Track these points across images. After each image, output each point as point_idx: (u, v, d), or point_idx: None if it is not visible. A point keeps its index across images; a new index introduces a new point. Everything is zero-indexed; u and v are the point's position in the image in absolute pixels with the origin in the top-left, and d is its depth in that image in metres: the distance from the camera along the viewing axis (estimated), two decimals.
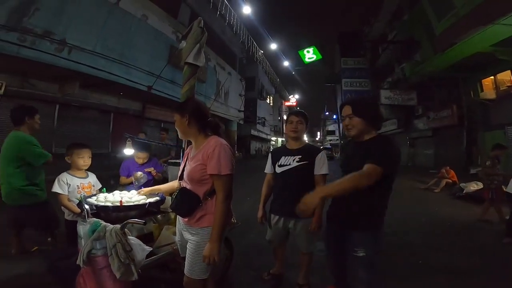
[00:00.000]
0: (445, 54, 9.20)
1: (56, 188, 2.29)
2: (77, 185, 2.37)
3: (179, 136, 1.70)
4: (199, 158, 1.53)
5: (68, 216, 2.40)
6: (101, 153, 8.91)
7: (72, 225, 2.17)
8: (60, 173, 2.42)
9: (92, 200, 2.02)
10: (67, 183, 2.32)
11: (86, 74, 7.19)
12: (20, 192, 2.42)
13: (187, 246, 1.58)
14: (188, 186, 1.58)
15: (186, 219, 1.58)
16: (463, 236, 4.00)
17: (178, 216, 1.72)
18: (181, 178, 1.68)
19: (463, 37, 7.96)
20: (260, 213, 2.39)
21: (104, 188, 2.36)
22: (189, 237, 1.57)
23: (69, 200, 2.35)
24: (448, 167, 8.37)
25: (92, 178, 2.54)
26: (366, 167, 1.41)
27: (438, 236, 3.74)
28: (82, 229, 1.51)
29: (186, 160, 1.69)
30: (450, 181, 8.00)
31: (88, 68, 7.11)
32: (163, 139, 5.88)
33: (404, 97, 13.80)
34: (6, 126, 6.82)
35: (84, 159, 2.42)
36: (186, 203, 1.54)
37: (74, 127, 8.51)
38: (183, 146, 2.26)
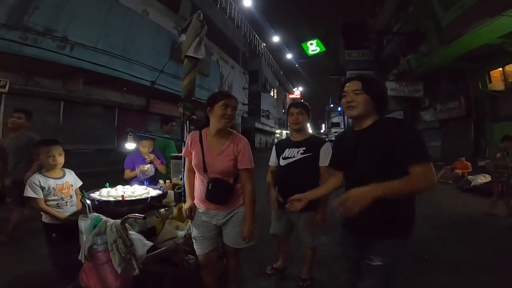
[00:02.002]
0: (451, 46, 9.05)
1: (29, 193, 1.99)
2: (52, 187, 2.08)
3: (225, 124, 1.68)
4: (231, 153, 1.71)
5: (46, 218, 2.13)
6: (107, 148, 8.95)
7: (52, 228, 2.07)
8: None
9: (95, 195, 2.03)
10: (40, 186, 2.03)
11: (89, 71, 7.23)
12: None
13: (230, 225, 1.79)
14: (217, 177, 1.71)
15: (221, 206, 1.76)
16: (470, 230, 3.94)
17: (205, 209, 1.79)
18: (205, 170, 1.70)
19: (470, 28, 7.81)
20: (273, 194, 2.17)
21: (107, 183, 2.35)
22: (225, 218, 1.79)
23: (46, 203, 2.08)
24: (464, 158, 8.23)
25: (70, 177, 2.24)
26: (418, 171, 1.15)
27: (444, 230, 3.68)
28: (83, 224, 1.50)
29: (202, 149, 1.71)
30: (460, 172, 7.87)
31: (91, 64, 7.16)
32: (18, 126, 3.24)
33: (410, 89, 13.52)
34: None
35: (54, 157, 2.09)
36: (223, 192, 1.72)
37: (80, 123, 8.57)
38: (185, 140, 2.23)
